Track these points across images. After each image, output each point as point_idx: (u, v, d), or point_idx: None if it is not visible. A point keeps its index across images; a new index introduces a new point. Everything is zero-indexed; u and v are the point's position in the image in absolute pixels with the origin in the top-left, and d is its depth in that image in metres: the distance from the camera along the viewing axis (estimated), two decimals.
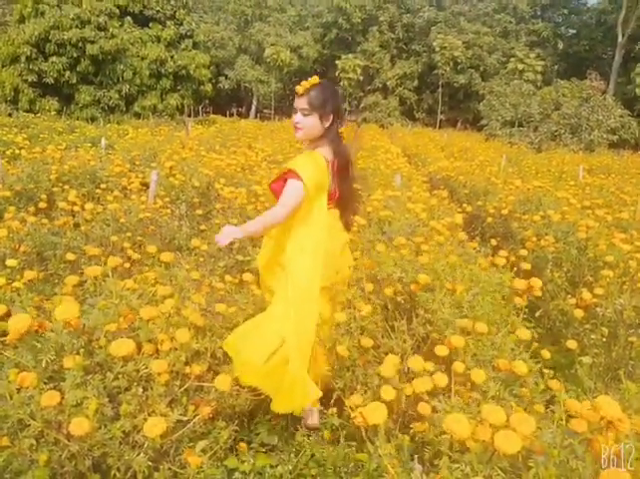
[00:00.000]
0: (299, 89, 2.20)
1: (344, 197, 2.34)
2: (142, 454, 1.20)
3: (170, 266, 2.22)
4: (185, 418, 1.34)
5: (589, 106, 18.71)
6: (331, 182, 2.25)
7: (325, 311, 2.13)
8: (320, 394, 2.05)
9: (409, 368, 1.52)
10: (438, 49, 33.17)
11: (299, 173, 2.12)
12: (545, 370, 1.65)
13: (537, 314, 3.16)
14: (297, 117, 2.20)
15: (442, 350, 1.58)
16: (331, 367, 2.05)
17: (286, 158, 7.60)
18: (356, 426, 1.31)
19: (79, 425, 1.08)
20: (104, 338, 1.36)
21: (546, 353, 1.85)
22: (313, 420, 2.18)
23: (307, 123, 2.20)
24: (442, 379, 1.35)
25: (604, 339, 2.69)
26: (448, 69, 33.33)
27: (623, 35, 29.80)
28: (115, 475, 1.21)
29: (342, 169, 2.32)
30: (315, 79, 2.20)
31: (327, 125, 2.22)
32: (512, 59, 31.84)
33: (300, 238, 2.18)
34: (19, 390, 1.16)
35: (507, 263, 2.72)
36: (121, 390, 1.30)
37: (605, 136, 18.19)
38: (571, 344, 2.15)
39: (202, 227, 4.00)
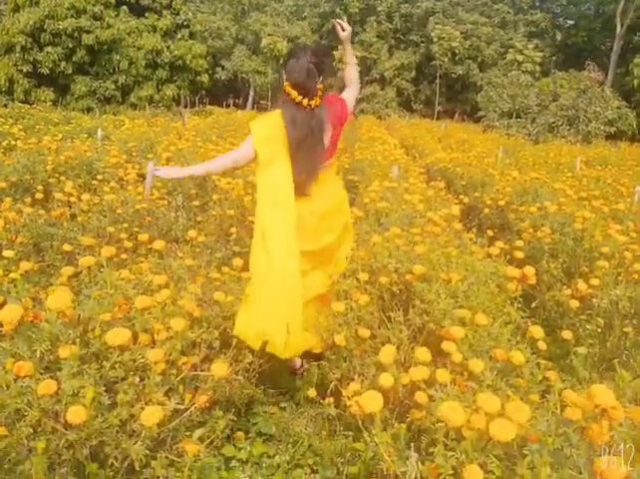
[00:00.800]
0: None
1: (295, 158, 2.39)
2: (139, 443, 1.20)
3: (166, 256, 2.23)
4: (182, 407, 1.34)
5: (587, 97, 18.67)
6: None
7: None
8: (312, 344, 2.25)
9: (405, 358, 1.53)
10: (436, 39, 33.00)
11: (251, 129, 2.36)
12: (542, 361, 1.65)
13: (533, 305, 3.18)
14: None
15: (447, 345, 1.58)
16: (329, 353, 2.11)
17: None
18: (352, 415, 1.32)
19: (76, 414, 1.09)
20: (99, 328, 1.36)
21: (542, 344, 1.86)
22: (295, 364, 2.50)
23: None
24: (442, 373, 1.36)
25: (599, 330, 2.70)
26: (445, 60, 33.18)
27: (622, 26, 29.69)
28: (112, 464, 1.22)
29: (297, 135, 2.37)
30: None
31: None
32: (511, 50, 31.71)
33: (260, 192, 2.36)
34: (16, 380, 1.17)
35: (502, 252, 2.73)
36: (117, 379, 1.30)
37: (602, 127, 18.16)
38: (567, 335, 2.16)
39: (199, 218, 3.99)
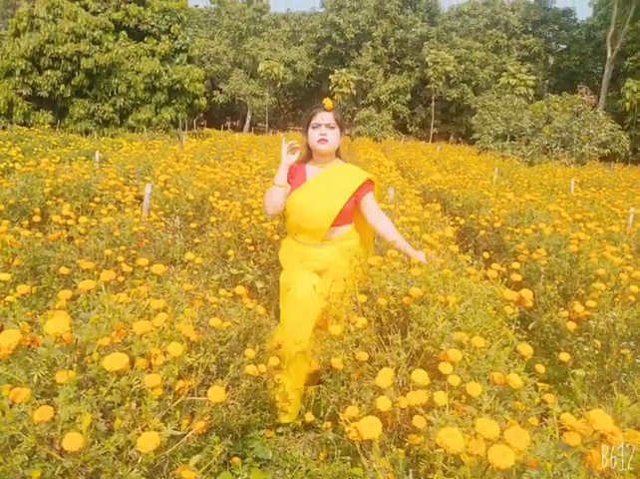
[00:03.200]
0: (329, 103, 2.57)
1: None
2: (135, 470, 1.19)
3: (163, 279, 2.22)
4: (179, 433, 1.33)
5: (580, 120, 18.92)
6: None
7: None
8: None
9: (403, 381, 1.52)
10: (430, 64, 33.57)
11: (374, 179, 2.70)
12: (540, 384, 1.65)
13: (530, 327, 3.18)
14: (323, 130, 2.54)
15: (445, 368, 1.58)
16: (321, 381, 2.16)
17: None
18: (351, 440, 1.31)
19: (72, 440, 1.08)
20: (96, 353, 1.35)
21: (540, 367, 1.85)
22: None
23: (332, 136, 2.57)
24: (440, 396, 1.36)
25: (597, 352, 2.70)
26: (440, 83, 33.70)
27: (612, 50, 30.28)
28: None
29: None
30: (333, 100, 2.61)
31: (341, 139, 2.66)
32: (504, 73, 32.23)
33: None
34: (11, 406, 1.16)
35: (499, 275, 2.74)
36: (114, 405, 1.29)
37: (596, 149, 18.38)
38: (564, 357, 2.16)
39: (196, 240, 4.00)
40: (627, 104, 25.90)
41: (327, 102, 2.56)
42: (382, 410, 1.40)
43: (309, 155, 2.72)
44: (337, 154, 2.71)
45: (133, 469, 1.17)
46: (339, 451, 1.68)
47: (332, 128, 2.55)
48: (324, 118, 2.55)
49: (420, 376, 1.50)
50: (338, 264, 2.57)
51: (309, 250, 2.61)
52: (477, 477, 1.10)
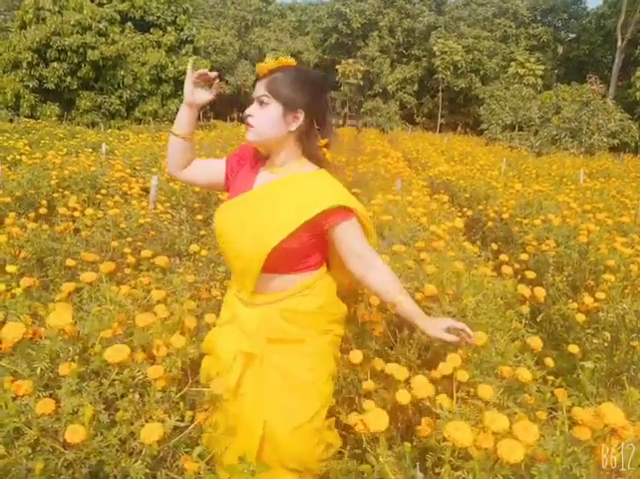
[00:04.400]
0: (261, 67, 1.53)
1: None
2: (139, 461, 1.18)
3: (168, 272, 2.22)
4: (182, 424, 1.32)
5: (589, 110, 18.73)
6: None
7: None
8: None
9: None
10: (438, 53, 33.29)
11: (352, 206, 1.54)
12: (549, 377, 1.63)
13: (539, 319, 3.15)
14: (250, 108, 1.53)
15: (452, 361, 1.54)
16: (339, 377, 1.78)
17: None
18: (358, 435, 1.30)
19: (75, 433, 1.07)
20: (99, 345, 1.34)
21: (550, 361, 1.83)
22: None
23: (262, 117, 1.51)
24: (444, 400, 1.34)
25: (606, 344, 2.67)
26: (448, 73, 33.43)
27: (622, 39, 29.89)
28: None
29: None
30: (288, 59, 1.55)
31: (294, 126, 1.52)
32: (513, 63, 31.92)
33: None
34: (14, 399, 1.15)
35: (511, 269, 2.71)
36: (117, 397, 1.28)
37: (605, 139, 18.20)
38: (573, 349, 2.13)
39: (202, 232, 3.99)
40: (637, 93, 25.57)
41: (263, 63, 1.55)
42: (401, 403, 1.36)
43: None
44: (307, 151, 1.58)
45: (136, 460, 1.16)
46: (348, 446, 1.66)
47: (264, 104, 1.50)
48: (256, 89, 1.54)
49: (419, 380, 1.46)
50: (271, 348, 1.55)
51: (238, 309, 1.63)
52: (485, 471, 1.08)
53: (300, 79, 1.52)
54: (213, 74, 1.59)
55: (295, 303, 1.56)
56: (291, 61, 1.55)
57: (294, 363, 1.56)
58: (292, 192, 1.54)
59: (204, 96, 1.62)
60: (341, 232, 1.53)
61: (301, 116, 1.51)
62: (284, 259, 1.52)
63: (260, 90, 1.51)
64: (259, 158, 1.66)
